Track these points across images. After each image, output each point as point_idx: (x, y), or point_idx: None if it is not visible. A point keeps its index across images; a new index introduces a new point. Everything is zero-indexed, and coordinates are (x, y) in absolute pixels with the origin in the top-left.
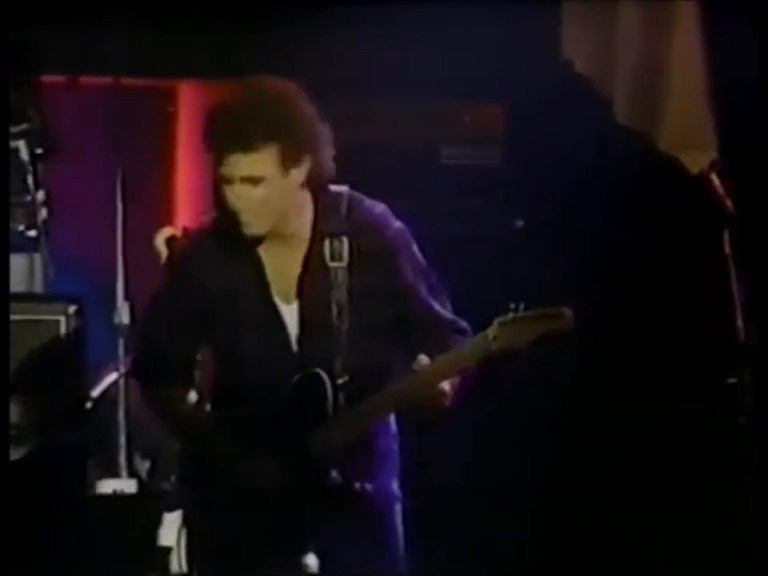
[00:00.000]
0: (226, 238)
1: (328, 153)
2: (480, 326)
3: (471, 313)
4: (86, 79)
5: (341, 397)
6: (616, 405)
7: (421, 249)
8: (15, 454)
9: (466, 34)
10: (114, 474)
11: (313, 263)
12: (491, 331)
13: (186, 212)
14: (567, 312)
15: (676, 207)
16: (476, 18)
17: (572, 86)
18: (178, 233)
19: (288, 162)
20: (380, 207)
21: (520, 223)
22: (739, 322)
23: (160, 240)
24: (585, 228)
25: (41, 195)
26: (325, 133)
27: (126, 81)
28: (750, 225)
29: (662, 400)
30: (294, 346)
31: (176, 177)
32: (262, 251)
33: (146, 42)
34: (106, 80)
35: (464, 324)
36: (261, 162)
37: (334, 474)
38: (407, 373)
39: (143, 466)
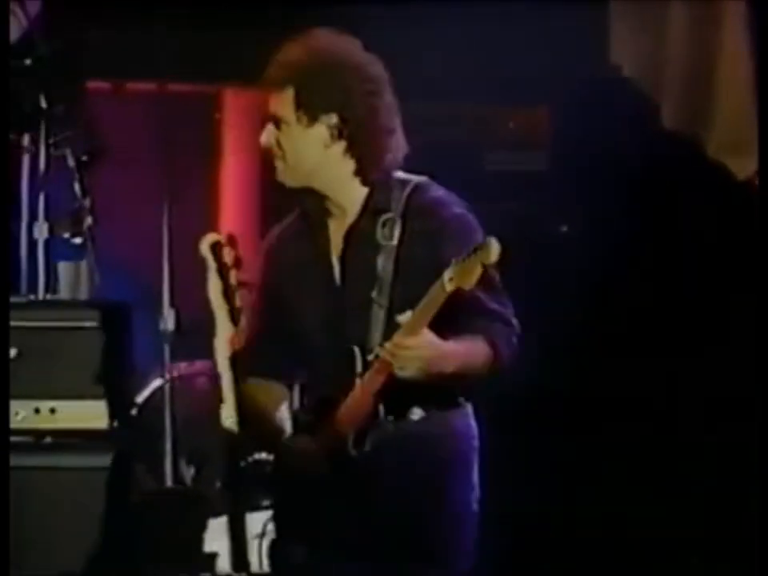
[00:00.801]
0: (300, 225)
1: (373, 130)
2: (525, 329)
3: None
4: (131, 85)
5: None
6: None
7: None
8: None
9: (512, 36)
10: (160, 480)
11: (356, 239)
12: (447, 272)
13: (232, 218)
14: (493, 243)
15: (721, 213)
16: (522, 18)
17: (620, 90)
18: (223, 239)
19: (303, 109)
20: (442, 192)
21: (564, 228)
22: None
23: (205, 246)
24: (630, 233)
25: (87, 202)
26: (373, 104)
27: (172, 86)
28: None
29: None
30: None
31: (221, 183)
32: (330, 223)
33: (191, 47)
34: (152, 86)
35: (510, 316)
36: (279, 101)
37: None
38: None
39: (189, 472)
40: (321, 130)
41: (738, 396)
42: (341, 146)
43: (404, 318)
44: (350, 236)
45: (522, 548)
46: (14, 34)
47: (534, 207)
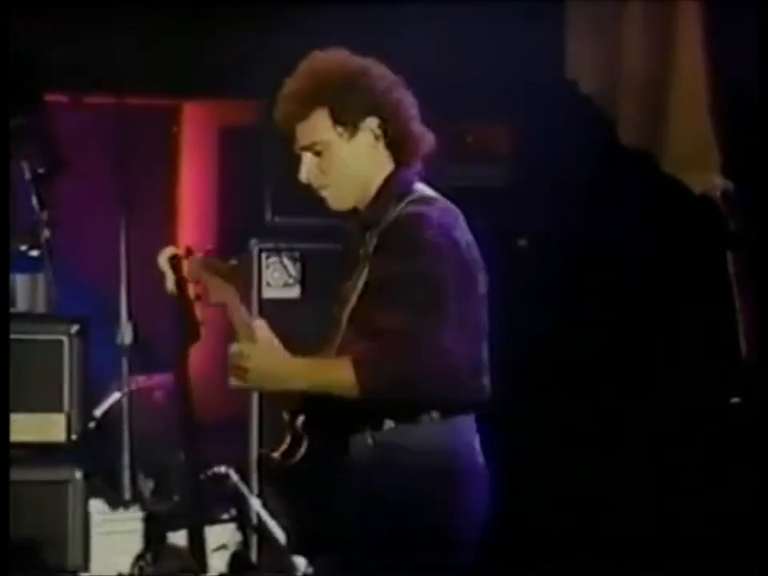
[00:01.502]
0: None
1: (407, 121)
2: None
3: None
4: (89, 98)
5: None
6: (621, 419)
7: None
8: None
9: (470, 50)
10: (118, 493)
11: (353, 253)
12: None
13: (190, 231)
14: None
15: (680, 228)
16: (480, 31)
17: (577, 106)
18: (181, 252)
19: (343, 121)
20: (426, 211)
21: (523, 242)
22: (742, 340)
23: (163, 259)
24: (589, 247)
25: (44, 215)
26: (398, 98)
27: (130, 100)
28: (757, 244)
29: (666, 421)
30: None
31: (179, 196)
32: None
33: (150, 60)
34: (110, 99)
35: (400, 336)
36: (312, 127)
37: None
38: None
39: (147, 486)
40: (365, 136)
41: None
42: (382, 146)
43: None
44: (349, 248)
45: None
46: None
47: (493, 222)
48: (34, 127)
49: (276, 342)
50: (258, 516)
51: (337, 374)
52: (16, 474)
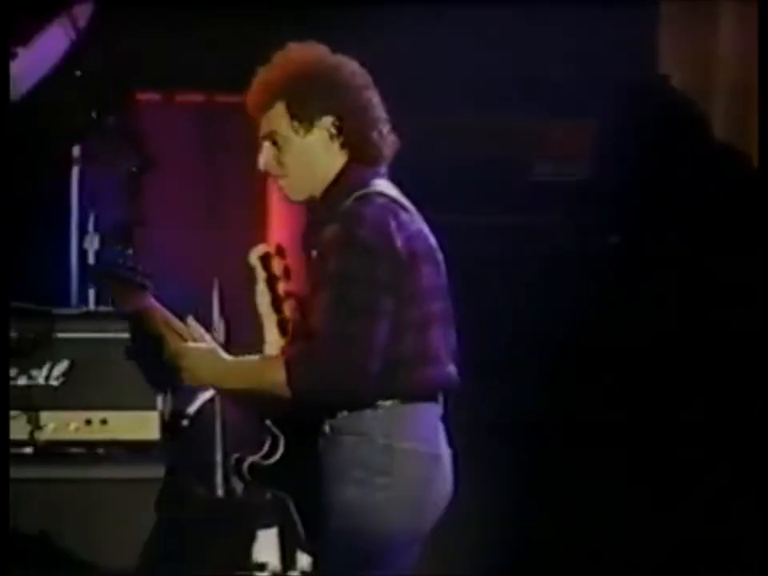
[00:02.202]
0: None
1: (369, 122)
2: (576, 341)
3: (563, 329)
4: (180, 96)
5: None
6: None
7: (509, 266)
8: (111, 473)
9: (556, 46)
10: (211, 491)
11: (306, 247)
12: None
13: (280, 229)
14: None
15: None
16: (566, 29)
17: (669, 100)
18: (272, 250)
19: (299, 118)
20: (361, 208)
21: (614, 239)
22: None
23: (254, 257)
24: (677, 245)
25: (136, 213)
26: (361, 98)
27: (220, 98)
28: None
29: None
30: None
31: (270, 194)
32: None
33: (239, 58)
34: (200, 96)
35: (340, 341)
36: (271, 118)
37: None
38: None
39: (239, 484)
40: (320, 134)
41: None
42: (338, 144)
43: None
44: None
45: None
46: (63, 45)
47: (582, 218)
48: (125, 126)
49: (209, 340)
50: None
51: (270, 374)
52: (110, 472)
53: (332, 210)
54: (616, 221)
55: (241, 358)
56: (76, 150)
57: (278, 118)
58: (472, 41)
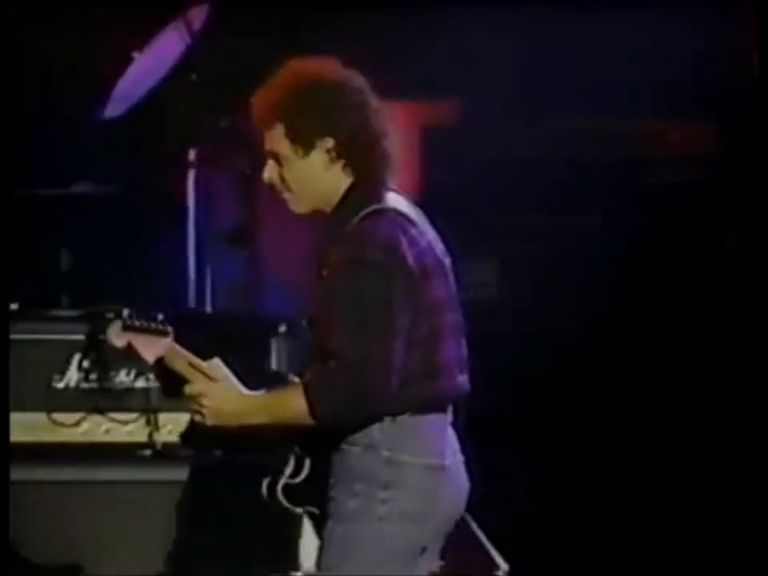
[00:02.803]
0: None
1: (369, 141)
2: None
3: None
4: None
5: None
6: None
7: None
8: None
9: (677, 48)
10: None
11: (318, 266)
12: None
13: None
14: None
15: None
16: (685, 28)
17: None
18: None
19: (298, 142)
20: (374, 228)
21: (735, 241)
22: None
23: None
24: None
25: (252, 216)
26: (361, 117)
27: None
28: None
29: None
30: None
31: None
32: None
33: (353, 61)
34: None
35: (349, 355)
36: (273, 138)
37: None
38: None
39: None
40: (319, 156)
41: None
42: (340, 164)
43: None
44: (318, 263)
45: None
46: (179, 48)
47: (698, 221)
48: (239, 128)
49: (232, 379)
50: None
51: (292, 405)
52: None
53: (341, 228)
54: (733, 225)
55: (262, 394)
56: (192, 153)
57: (278, 138)
58: (587, 42)
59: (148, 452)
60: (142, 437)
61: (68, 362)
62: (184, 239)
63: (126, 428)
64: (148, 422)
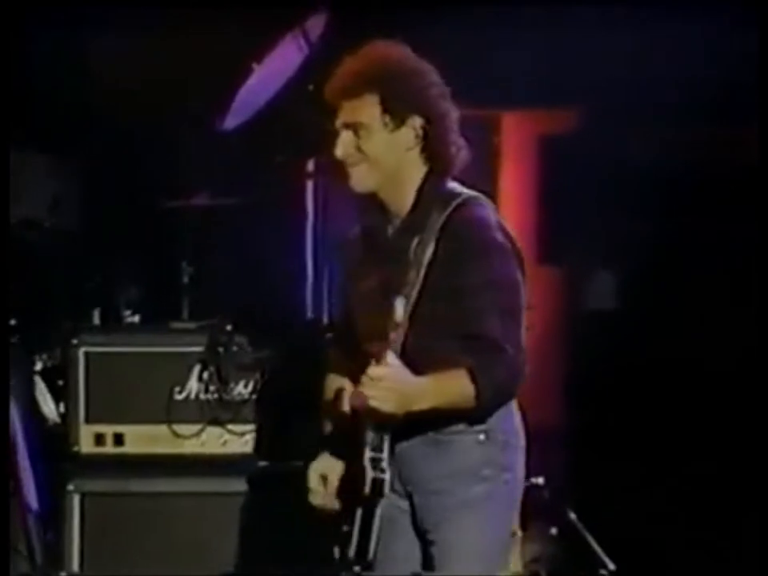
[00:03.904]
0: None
1: (450, 130)
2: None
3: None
4: None
5: None
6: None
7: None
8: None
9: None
10: None
11: (397, 253)
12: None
13: None
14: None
15: None
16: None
17: None
18: None
19: (391, 113)
20: (484, 212)
21: None
22: None
23: None
24: None
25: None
26: (445, 106)
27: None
28: None
29: None
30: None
31: (500, 206)
32: (389, 231)
33: (469, 71)
34: None
35: (505, 342)
36: (360, 108)
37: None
38: None
39: None
40: (407, 133)
41: None
42: (418, 147)
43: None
44: (393, 249)
45: None
46: (297, 59)
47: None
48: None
49: (403, 366)
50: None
51: (459, 388)
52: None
53: (428, 218)
54: None
55: (429, 378)
56: (310, 164)
57: (366, 108)
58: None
59: (265, 463)
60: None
61: (188, 374)
62: (303, 250)
63: (243, 439)
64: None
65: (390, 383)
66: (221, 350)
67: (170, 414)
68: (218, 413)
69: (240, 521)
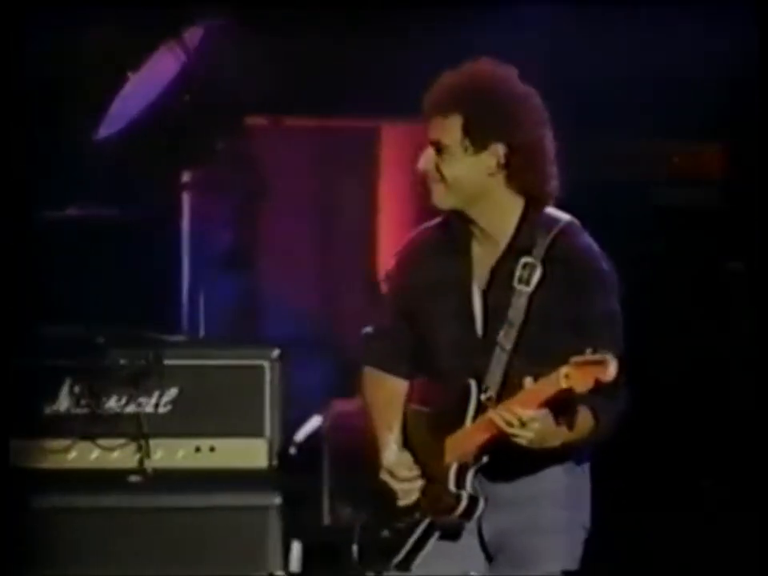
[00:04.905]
0: (443, 237)
1: (540, 159)
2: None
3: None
4: (291, 120)
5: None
6: None
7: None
8: (218, 500)
9: (680, 71)
10: (317, 518)
11: (499, 277)
12: (564, 368)
13: (389, 253)
14: (611, 363)
15: None
16: (692, 50)
17: None
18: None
19: (472, 138)
20: (589, 240)
21: (737, 266)
22: None
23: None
24: None
25: (249, 239)
26: (538, 135)
27: (331, 122)
28: None
29: None
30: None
31: (380, 219)
32: (474, 248)
33: (348, 82)
34: (311, 121)
35: (615, 390)
36: (443, 127)
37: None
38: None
39: (345, 512)
40: (488, 159)
41: None
42: (504, 174)
43: (528, 382)
44: (495, 272)
45: None
46: (173, 69)
47: (704, 244)
48: (237, 151)
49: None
50: None
51: (585, 426)
52: (218, 500)
53: (532, 242)
54: (740, 248)
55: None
56: (186, 176)
57: (450, 128)
58: (601, 64)
59: (137, 478)
60: (131, 463)
61: (59, 389)
62: (178, 263)
63: (114, 454)
64: (139, 448)
65: (539, 423)
66: (92, 364)
67: (41, 428)
68: (89, 427)
69: (112, 534)
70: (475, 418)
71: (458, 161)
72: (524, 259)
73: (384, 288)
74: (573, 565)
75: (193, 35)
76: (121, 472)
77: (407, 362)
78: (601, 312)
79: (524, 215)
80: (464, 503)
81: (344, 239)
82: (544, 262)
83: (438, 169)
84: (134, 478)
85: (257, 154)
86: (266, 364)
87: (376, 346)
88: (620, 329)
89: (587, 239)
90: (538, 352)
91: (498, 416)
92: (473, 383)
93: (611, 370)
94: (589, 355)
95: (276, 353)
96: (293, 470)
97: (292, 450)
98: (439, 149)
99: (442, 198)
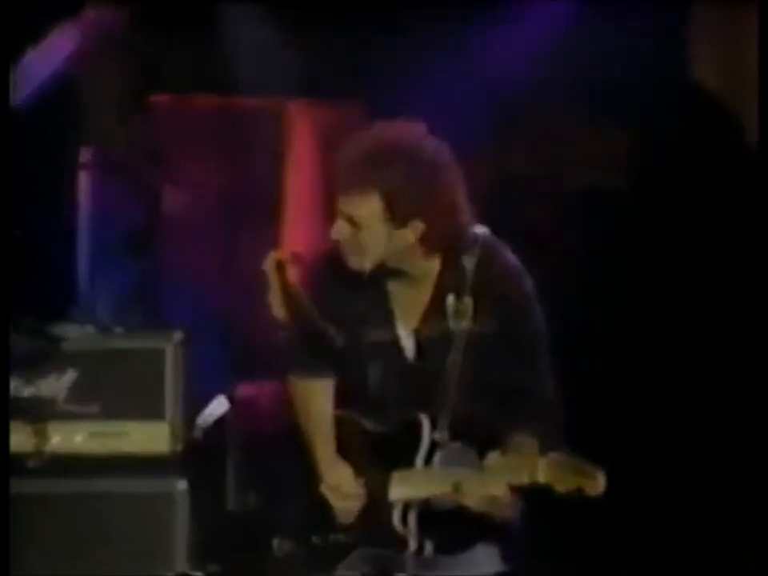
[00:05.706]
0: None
1: (456, 221)
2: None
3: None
4: (197, 99)
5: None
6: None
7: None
8: (122, 486)
9: (590, 52)
10: (222, 503)
11: (430, 319)
12: (543, 462)
13: (295, 236)
14: (600, 476)
15: None
16: (600, 32)
17: (702, 106)
18: (287, 257)
19: (391, 215)
20: (506, 259)
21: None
22: None
23: (269, 264)
24: (712, 251)
25: (150, 220)
26: (453, 199)
27: (237, 101)
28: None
29: None
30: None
31: (285, 200)
32: (389, 285)
33: (255, 61)
34: (217, 100)
35: (559, 402)
36: (361, 205)
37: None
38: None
39: (250, 497)
40: (407, 234)
41: None
42: (422, 243)
43: (495, 458)
44: (425, 316)
45: None
46: (73, 45)
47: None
48: (140, 130)
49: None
50: None
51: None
52: (121, 486)
53: (459, 268)
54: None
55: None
56: (85, 155)
57: (368, 205)
58: (502, 48)
59: (33, 463)
60: (28, 447)
61: None
62: (76, 245)
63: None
64: (36, 432)
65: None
66: None
67: None
68: None
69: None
70: (427, 456)
71: (375, 234)
72: (452, 297)
73: (297, 287)
74: None
75: (97, 11)
76: (18, 456)
77: (331, 360)
78: (523, 330)
79: (445, 260)
80: (412, 545)
81: (248, 219)
82: (473, 295)
83: (354, 239)
84: (31, 463)
85: (161, 133)
86: (167, 347)
87: (300, 351)
88: (542, 346)
89: (504, 257)
90: (479, 384)
91: (472, 499)
92: (425, 421)
93: (599, 485)
94: (574, 460)
95: (178, 336)
96: (197, 454)
97: (197, 434)
98: (354, 222)
99: (361, 265)
